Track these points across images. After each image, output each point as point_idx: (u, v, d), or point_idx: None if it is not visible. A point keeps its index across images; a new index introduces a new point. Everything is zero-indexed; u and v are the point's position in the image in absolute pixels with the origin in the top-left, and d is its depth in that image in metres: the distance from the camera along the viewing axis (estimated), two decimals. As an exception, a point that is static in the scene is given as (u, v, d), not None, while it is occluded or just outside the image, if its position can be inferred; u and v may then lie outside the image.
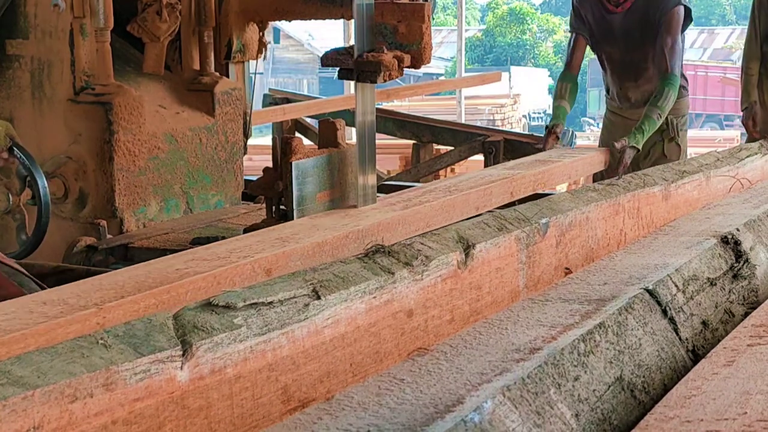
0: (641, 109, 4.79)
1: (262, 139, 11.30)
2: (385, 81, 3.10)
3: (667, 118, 4.79)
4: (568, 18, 5.20)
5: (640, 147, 4.63)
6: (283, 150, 3.05)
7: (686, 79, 5.09)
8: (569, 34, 5.17)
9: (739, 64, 5.57)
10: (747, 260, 2.25)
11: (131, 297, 2.08)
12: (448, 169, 7.46)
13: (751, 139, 4.64)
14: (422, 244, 1.67)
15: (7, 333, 1.84)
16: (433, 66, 31.93)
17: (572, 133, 7.78)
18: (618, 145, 4.59)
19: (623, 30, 4.85)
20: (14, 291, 2.44)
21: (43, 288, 2.57)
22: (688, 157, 4.45)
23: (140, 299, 2.09)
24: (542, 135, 5.06)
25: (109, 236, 3.68)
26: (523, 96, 24.10)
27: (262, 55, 4.82)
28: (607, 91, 5.20)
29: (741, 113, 5.03)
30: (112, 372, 1.08)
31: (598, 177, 4.74)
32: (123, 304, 2.04)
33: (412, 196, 3.36)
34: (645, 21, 4.79)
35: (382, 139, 7.67)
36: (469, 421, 1.20)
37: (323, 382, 1.37)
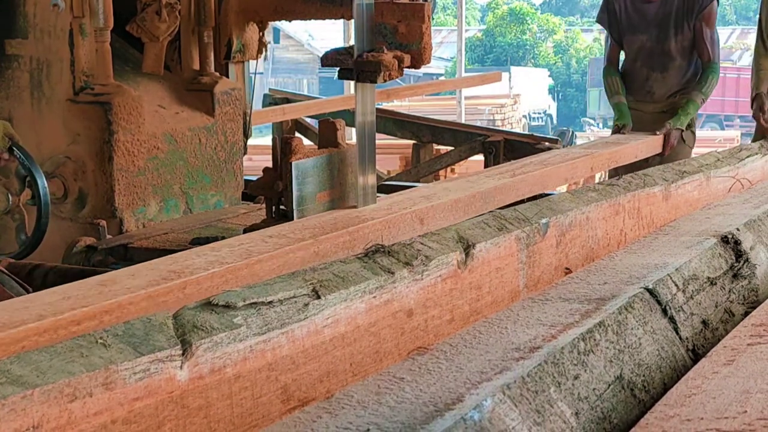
0: (660, 104, 5.17)
1: (262, 139, 11.30)
2: (385, 81, 3.10)
3: None
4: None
5: (684, 128, 5.06)
6: (283, 150, 3.05)
7: None
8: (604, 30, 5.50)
9: (740, 64, 6.19)
10: (747, 260, 2.25)
11: (332, 234, 2.66)
12: (448, 169, 7.45)
13: (759, 129, 4.82)
14: (422, 243, 1.67)
15: (259, 254, 2.38)
16: (433, 66, 31.95)
17: (572, 133, 7.77)
18: (663, 131, 5.00)
19: (657, 20, 5.13)
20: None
21: (26, 288, 2.57)
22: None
23: (337, 237, 2.68)
24: (542, 135, 5.35)
25: (108, 236, 3.67)
26: (523, 96, 24.10)
27: (262, 55, 4.82)
28: (626, 88, 5.31)
29: (744, 113, 5.37)
30: (111, 371, 1.08)
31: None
32: (330, 238, 2.64)
33: (513, 168, 3.85)
34: (679, 12, 5.10)
35: (382, 139, 7.67)
36: (468, 420, 1.20)
37: (323, 382, 1.37)
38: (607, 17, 5.30)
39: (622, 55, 5.37)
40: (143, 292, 2.05)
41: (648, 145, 5.00)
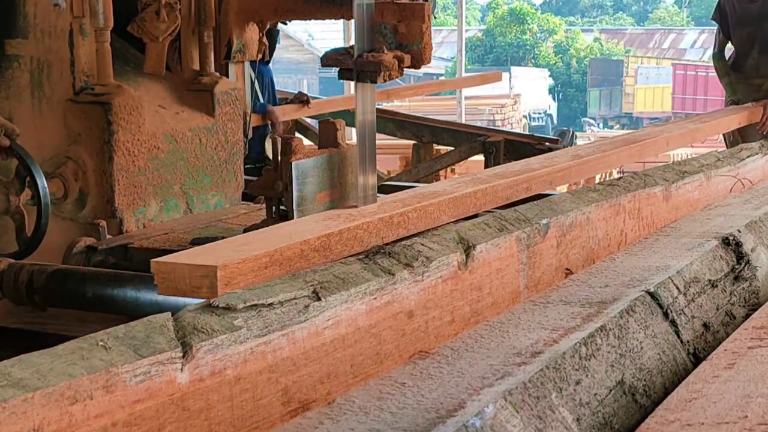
0: (762, 79, 6.38)
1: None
2: (385, 81, 3.10)
3: None
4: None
5: None
6: (283, 150, 3.05)
7: None
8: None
9: None
10: (748, 262, 2.25)
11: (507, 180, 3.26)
12: (449, 169, 7.45)
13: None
14: (423, 245, 1.67)
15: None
16: (434, 66, 31.94)
17: (573, 133, 7.78)
18: (759, 103, 6.10)
19: (759, 15, 6.40)
20: None
21: None
22: (691, 156, 4.61)
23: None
24: (543, 135, 5.64)
25: (108, 236, 3.67)
26: (523, 96, 24.12)
27: (262, 55, 4.82)
28: (737, 66, 6.63)
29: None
30: (112, 374, 1.08)
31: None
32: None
33: (555, 155, 4.11)
34: None
35: (382, 139, 7.67)
36: (470, 426, 1.19)
37: (324, 384, 1.36)
38: (719, 15, 6.65)
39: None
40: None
41: (744, 116, 5.96)
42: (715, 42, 6.93)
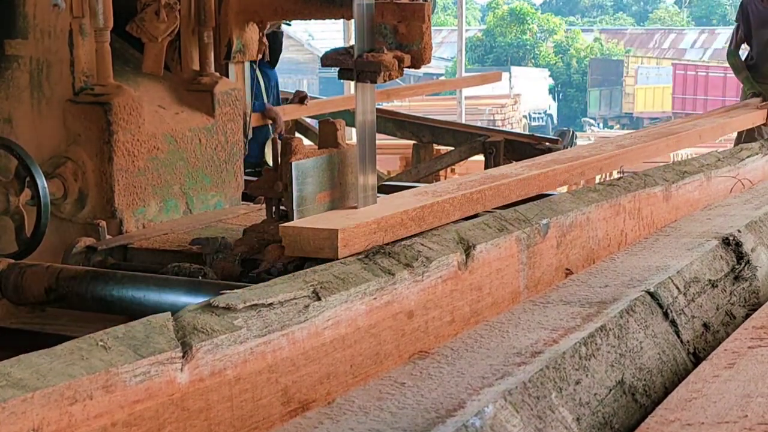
0: None
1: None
2: (385, 81, 3.10)
3: None
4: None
5: None
6: (283, 150, 3.05)
7: None
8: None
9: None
10: (748, 262, 2.25)
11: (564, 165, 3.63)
12: (449, 169, 7.45)
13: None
14: (422, 245, 1.67)
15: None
16: (434, 66, 31.95)
17: (573, 133, 7.78)
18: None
19: None
20: None
21: None
22: (690, 157, 4.62)
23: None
24: (543, 135, 5.75)
25: (108, 237, 3.66)
26: (523, 96, 24.12)
27: (262, 56, 4.81)
28: (756, 68, 6.93)
29: None
30: (111, 374, 1.08)
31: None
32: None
33: (602, 145, 4.47)
34: None
35: (382, 139, 7.66)
36: (470, 426, 1.19)
37: (323, 384, 1.36)
38: (742, 16, 6.98)
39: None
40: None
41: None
42: (732, 40, 7.23)
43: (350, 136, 7.00)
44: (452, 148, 7.18)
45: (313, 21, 4.68)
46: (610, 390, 1.49)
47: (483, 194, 3.19)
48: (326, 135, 3.21)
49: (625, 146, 4.27)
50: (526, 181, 3.40)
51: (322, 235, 2.59)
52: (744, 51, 7.17)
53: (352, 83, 3.28)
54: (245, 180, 4.51)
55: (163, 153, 4.02)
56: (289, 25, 5.99)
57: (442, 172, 7.33)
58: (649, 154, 4.60)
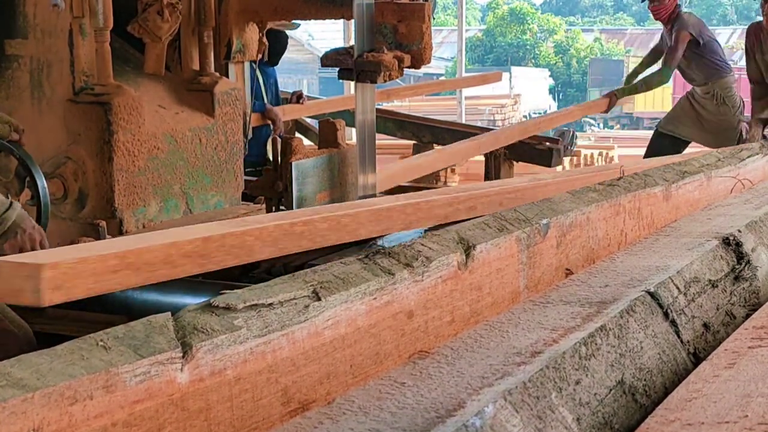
0: None
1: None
2: (385, 81, 3.10)
3: None
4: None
5: None
6: (283, 150, 3.05)
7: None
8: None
9: (741, 64, 7.26)
10: (748, 262, 2.25)
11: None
12: (449, 169, 7.44)
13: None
14: (422, 245, 1.67)
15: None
16: (434, 66, 31.93)
17: (573, 133, 7.78)
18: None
19: None
20: None
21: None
22: (690, 157, 4.62)
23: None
24: (543, 135, 5.62)
25: (108, 237, 3.67)
26: (523, 96, 24.11)
27: (262, 55, 4.81)
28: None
29: (747, 112, 6.85)
30: (111, 374, 1.07)
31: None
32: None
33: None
34: None
35: (382, 139, 7.66)
36: (470, 426, 1.19)
37: (323, 384, 1.36)
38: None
39: None
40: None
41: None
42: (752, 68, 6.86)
43: (350, 136, 7.00)
44: (452, 148, 7.16)
45: (313, 21, 4.68)
46: (610, 390, 1.49)
47: (313, 226, 2.29)
48: (326, 135, 3.22)
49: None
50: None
51: (22, 272, 1.77)
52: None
53: (352, 83, 3.28)
54: (245, 180, 4.51)
55: (163, 153, 4.02)
56: (297, 26, 5.98)
57: (442, 172, 7.33)
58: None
